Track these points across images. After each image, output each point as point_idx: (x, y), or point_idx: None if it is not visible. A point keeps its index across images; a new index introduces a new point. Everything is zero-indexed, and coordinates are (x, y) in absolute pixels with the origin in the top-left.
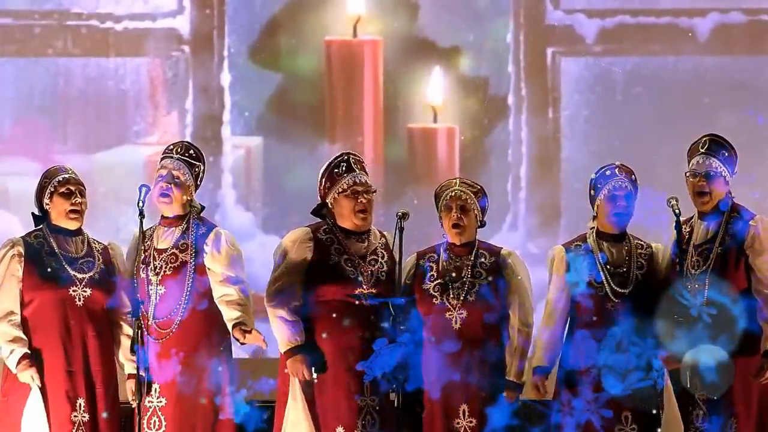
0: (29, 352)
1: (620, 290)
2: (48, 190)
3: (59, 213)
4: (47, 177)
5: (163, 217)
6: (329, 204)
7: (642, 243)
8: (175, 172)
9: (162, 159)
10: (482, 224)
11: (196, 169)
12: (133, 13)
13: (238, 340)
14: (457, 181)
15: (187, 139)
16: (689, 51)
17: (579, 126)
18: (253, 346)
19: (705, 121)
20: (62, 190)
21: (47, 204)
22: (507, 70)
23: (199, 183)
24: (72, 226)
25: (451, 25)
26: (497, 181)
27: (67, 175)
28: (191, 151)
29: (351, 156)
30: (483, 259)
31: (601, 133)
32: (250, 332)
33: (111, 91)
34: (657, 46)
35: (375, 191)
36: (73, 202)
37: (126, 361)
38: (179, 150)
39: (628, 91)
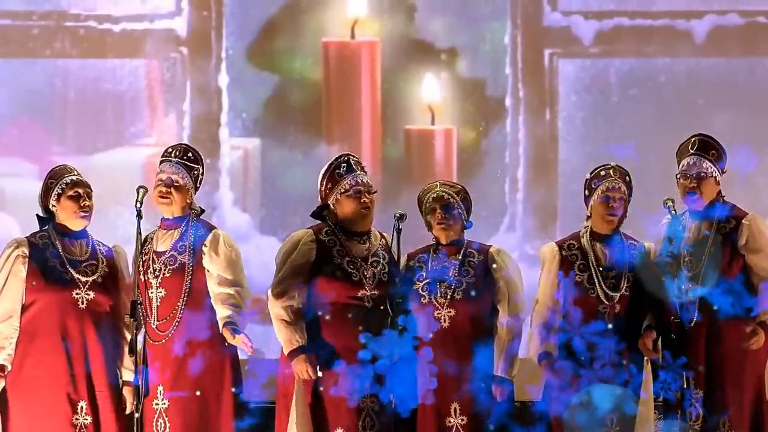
0: (4, 364)
1: (611, 293)
2: (55, 192)
3: (68, 215)
4: (53, 178)
5: (162, 219)
6: (331, 205)
7: (635, 243)
8: (173, 176)
9: (161, 162)
10: (468, 225)
11: (195, 172)
12: (130, 14)
13: (226, 339)
14: (438, 184)
15: (185, 140)
16: (685, 53)
17: (576, 127)
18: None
19: (700, 122)
20: (71, 192)
21: (54, 206)
22: (504, 72)
23: (198, 186)
24: (80, 226)
25: (447, 27)
26: (495, 182)
27: (74, 177)
28: (190, 154)
29: (351, 157)
30: (471, 258)
31: (597, 134)
32: (239, 334)
33: (109, 93)
34: (653, 48)
35: (376, 192)
36: (82, 205)
37: (124, 369)
38: (178, 153)
39: (624, 92)
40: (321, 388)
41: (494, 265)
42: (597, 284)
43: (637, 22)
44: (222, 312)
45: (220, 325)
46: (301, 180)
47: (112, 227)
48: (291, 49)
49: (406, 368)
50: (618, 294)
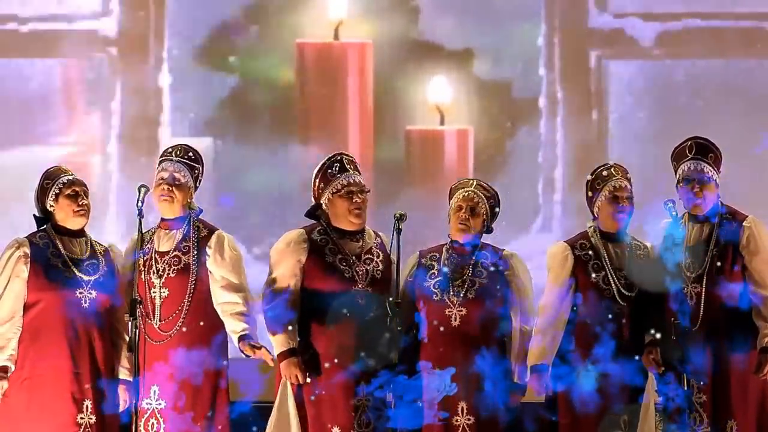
0: (7, 365)
1: (627, 293)
2: (52, 192)
3: (66, 214)
4: (49, 178)
5: (162, 219)
6: (323, 205)
7: (639, 243)
8: (176, 174)
9: (161, 162)
10: (489, 230)
11: (196, 171)
12: (45, 14)
13: (244, 353)
14: (474, 182)
15: (113, 139)
16: (738, 54)
17: (629, 128)
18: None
19: (760, 126)
20: (68, 191)
21: (51, 206)
22: (537, 73)
23: (197, 185)
24: (78, 224)
25: (459, 28)
26: (522, 183)
27: (70, 177)
28: (190, 154)
29: (344, 156)
30: (485, 259)
31: (652, 135)
32: (259, 348)
33: (20, 92)
34: (716, 49)
35: (369, 191)
36: (80, 203)
37: (120, 367)
38: (178, 152)
39: (683, 94)
40: (316, 387)
41: (508, 270)
42: (613, 284)
43: (696, 23)
44: (235, 326)
45: (235, 339)
46: (258, 180)
47: (14, 226)
48: (247, 49)
49: (411, 395)
50: (633, 294)
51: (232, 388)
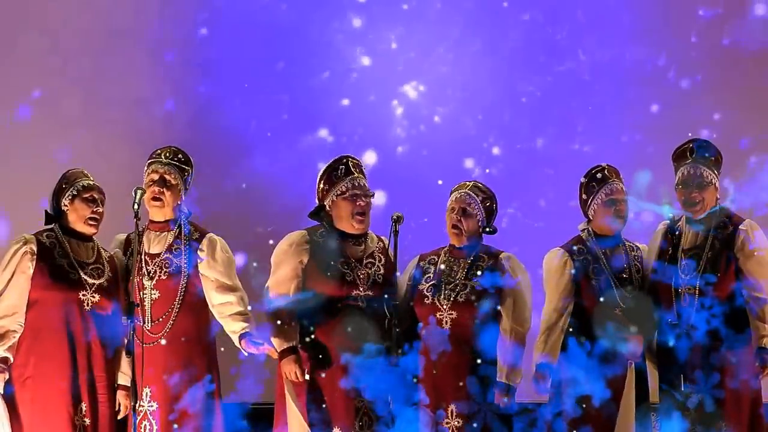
0: (7, 356)
1: (627, 294)
2: (69, 193)
3: (78, 217)
4: (67, 180)
5: (151, 221)
6: (327, 207)
7: (633, 245)
8: (167, 176)
9: (151, 163)
10: (491, 231)
11: (185, 174)
12: None
13: (247, 352)
14: (471, 184)
15: None
16: None
17: None
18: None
19: None
20: (86, 195)
21: (66, 206)
22: None
23: (187, 188)
24: (89, 232)
25: None
26: None
27: (91, 182)
28: (180, 155)
29: (350, 159)
30: (480, 262)
31: None
32: (261, 344)
33: None
34: None
35: (373, 195)
36: (94, 210)
37: (120, 372)
38: (168, 154)
39: None
40: (317, 388)
41: (502, 272)
42: (614, 286)
43: None
44: (234, 326)
45: (235, 339)
46: None
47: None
48: None
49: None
50: (633, 294)
51: (230, 390)
